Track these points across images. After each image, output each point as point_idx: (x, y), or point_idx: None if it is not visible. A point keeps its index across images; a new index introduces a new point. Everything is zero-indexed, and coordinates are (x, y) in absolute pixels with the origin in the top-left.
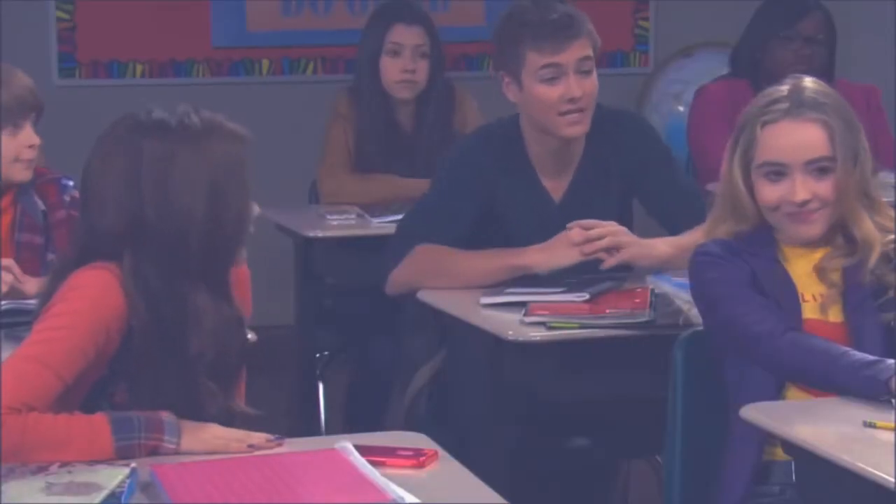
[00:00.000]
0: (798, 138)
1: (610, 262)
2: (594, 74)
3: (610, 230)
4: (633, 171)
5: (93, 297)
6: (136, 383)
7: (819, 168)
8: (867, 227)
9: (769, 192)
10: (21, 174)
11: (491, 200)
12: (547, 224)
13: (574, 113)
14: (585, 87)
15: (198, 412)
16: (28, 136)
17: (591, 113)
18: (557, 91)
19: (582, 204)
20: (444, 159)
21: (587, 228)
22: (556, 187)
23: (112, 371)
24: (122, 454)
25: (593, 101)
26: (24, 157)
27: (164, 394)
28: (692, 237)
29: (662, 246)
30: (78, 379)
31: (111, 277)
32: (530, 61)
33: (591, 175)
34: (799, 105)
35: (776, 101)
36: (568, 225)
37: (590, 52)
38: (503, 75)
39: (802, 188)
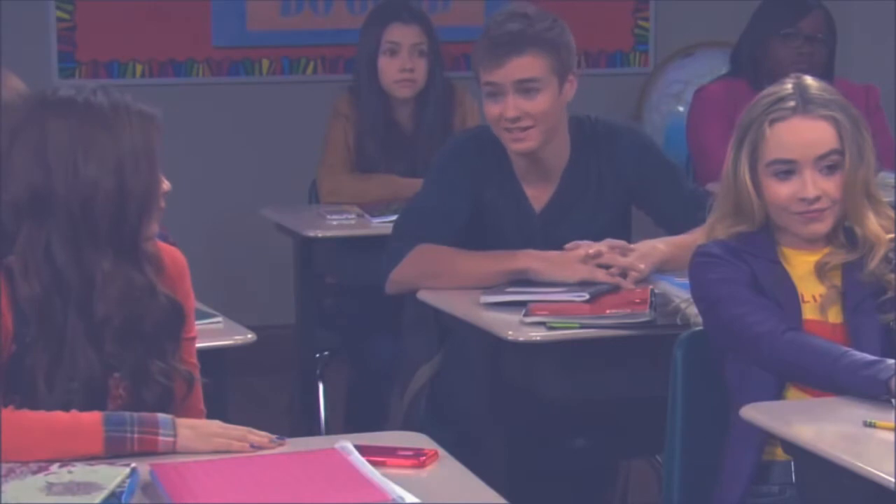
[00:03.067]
0: (809, 135)
1: (628, 283)
2: (541, 95)
3: (620, 260)
4: (633, 183)
5: None
6: (48, 353)
7: (828, 165)
8: (872, 225)
9: (779, 190)
10: None
11: (479, 200)
12: (526, 232)
13: (515, 131)
14: (525, 107)
15: (106, 379)
16: None
17: (543, 129)
18: (497, 109)
19: (563, 214)
20: (435, 158)
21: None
22: (538, 196)
23: (21, 346)
24: (112, 446)
25: (539, 119)
26: None
27: (74, 361)
28: (690, 237)
29: (661, 246)
30: None
31: None
32: (479, 76)
33: (576, 186)
34: (808, 102)
35: (783, 98)
36: (566, 246)
37: (536, 73)
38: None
39: (812, 185)
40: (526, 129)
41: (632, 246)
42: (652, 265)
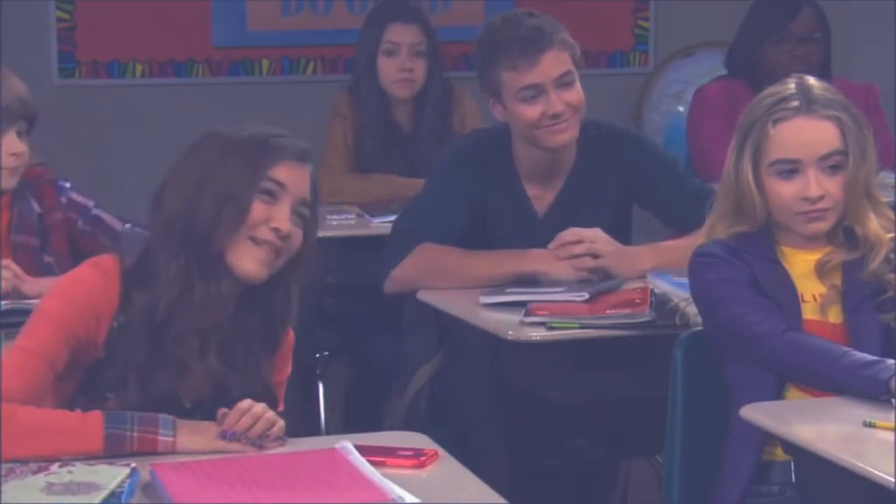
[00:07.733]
0: (813, 135)
1: (588, 264)
2: (576, 85)
3: (587, 236)
4: (636, 185)
5: (81, 284)
6: (128, 365)
7: (832, 164)
8: (872, 225)
9: (782, 190)
10: (5, 181)
11: (479, 203)
12: (529, 235)
13: (560, 123)
14: (567, 98)
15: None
16: (10, 144)
17: (579, 119)
18: (538, 109)
19: (566, 217)
20: (437, 159)
21: (569, 240)
22: (541, 199)
23: (108, 353)
24: (112, 444)
25: (579, 109)
26: (7, 165)
27: (151, 372)
28: (685, 241)
29: (646, 259)
30: (70, 363)
31: (109, 267)
32: (508, 82)
33: (580, 189)
34: (811, 102)
35: (786, 98)
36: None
37: (568, 66)
38: (488, 97)
39: (816, 184)
40: (566, 119)
41: (617, 247)
42: (633, 273)
